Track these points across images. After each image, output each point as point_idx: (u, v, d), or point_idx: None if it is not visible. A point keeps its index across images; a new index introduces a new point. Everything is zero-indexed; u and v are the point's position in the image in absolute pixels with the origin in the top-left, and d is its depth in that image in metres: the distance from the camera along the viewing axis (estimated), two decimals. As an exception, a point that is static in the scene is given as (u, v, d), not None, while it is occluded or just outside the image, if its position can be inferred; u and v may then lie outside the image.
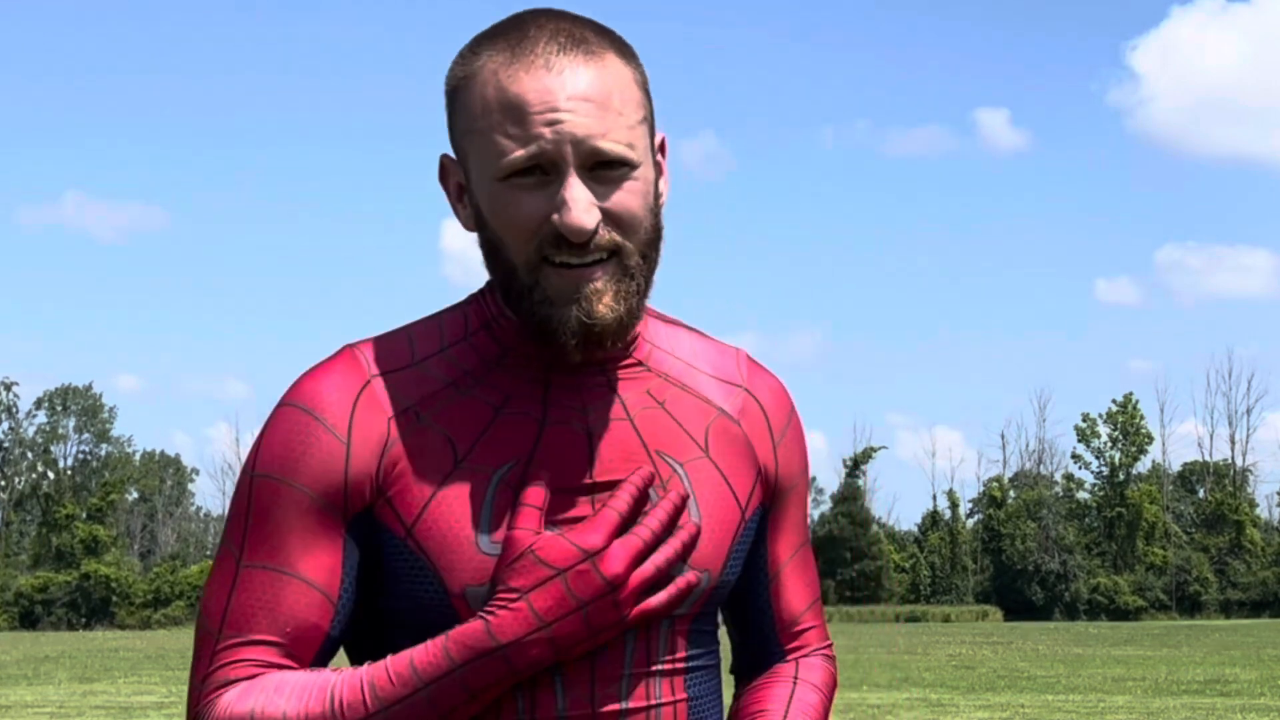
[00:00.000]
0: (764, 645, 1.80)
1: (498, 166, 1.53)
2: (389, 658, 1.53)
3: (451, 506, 1.56)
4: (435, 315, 1.66)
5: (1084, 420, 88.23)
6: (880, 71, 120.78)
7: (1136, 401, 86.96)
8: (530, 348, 1.61)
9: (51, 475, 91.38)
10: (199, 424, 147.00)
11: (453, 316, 1.65)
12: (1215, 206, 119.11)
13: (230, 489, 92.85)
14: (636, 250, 1.56)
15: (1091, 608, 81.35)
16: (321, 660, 1.57)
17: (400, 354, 1.61)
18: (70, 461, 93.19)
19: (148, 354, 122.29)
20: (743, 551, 1.68)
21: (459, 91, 1.58)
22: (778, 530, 1.76)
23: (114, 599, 76.90)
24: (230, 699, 1.52)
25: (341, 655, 1.66)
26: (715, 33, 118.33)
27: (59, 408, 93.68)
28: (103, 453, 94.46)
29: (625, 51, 1.59)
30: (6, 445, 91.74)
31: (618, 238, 1.54)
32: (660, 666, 1.61)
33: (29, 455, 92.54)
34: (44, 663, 33.70)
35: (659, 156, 1.63)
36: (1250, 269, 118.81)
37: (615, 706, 1.57)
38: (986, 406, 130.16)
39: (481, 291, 1.66)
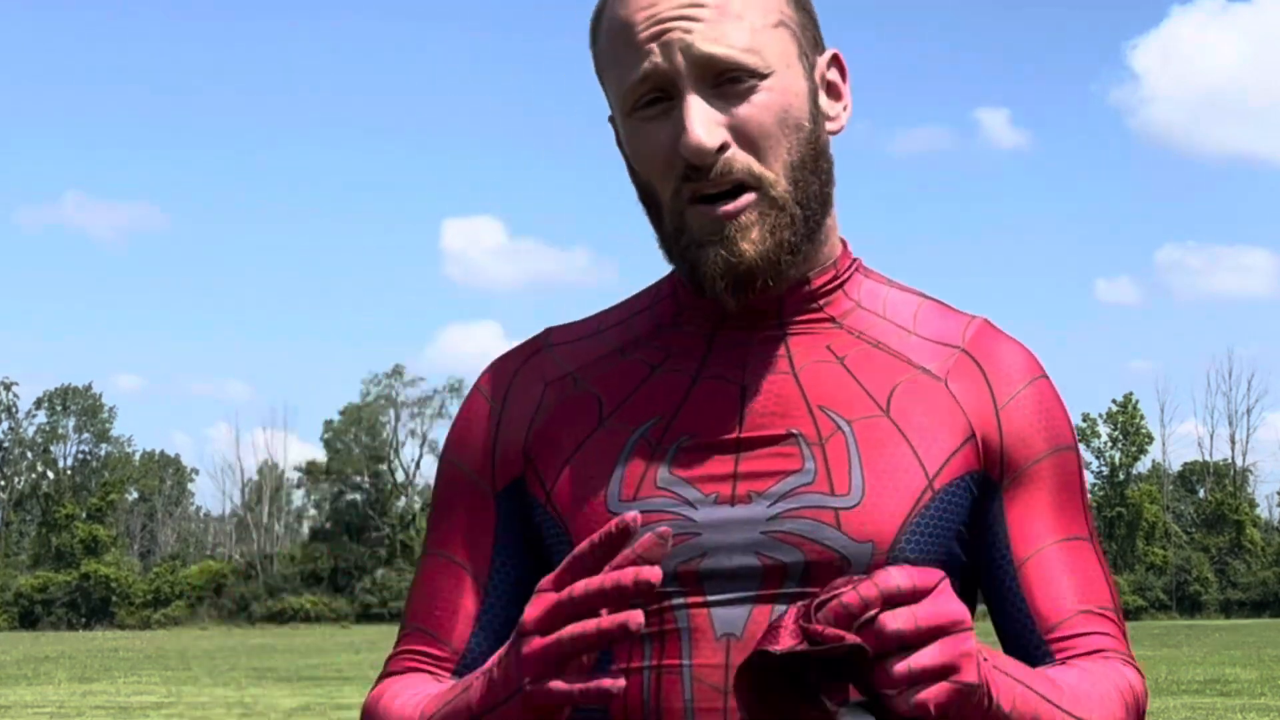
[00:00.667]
0: (1026, 649, 1.49)
1: (622, 98, 1.43)
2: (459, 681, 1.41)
3: (587, 467, 1.47)
4: (638, 292, 1.60)
5: (1084, 420, 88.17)
6: (880, 71, 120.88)
7: (1136, 401, 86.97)
8: (702, 303, 1.50)
9: (51, 475, 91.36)
10: (199, 424, 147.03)
11: (647, 290, 1.59)
12: (1216, 206, 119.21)
13: (229, 488, 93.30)
14: (782, 175, 1.41)
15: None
16: (484, 640, 1.51)
17: (585, 327, 1.57)
18: (70, 461, 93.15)
19: (148, 354, 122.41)
20: (933, 526, 1.43)
21: (593, 39, 1.49)
22: (1019, 512, 1.48)
23: (114, 599, 76.90)
24: (377, 690, 1.51)
25: None
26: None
27: (59, 408, 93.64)
28: (102, 453, 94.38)
29: None
30: (6, 445, 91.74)
31: (753, 162, 1.40)
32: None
33: (29, 455, 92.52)
34: (44, 663, 33.69)
35: (831, 74, 1.50)
36: (1250, 269, 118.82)
37: None
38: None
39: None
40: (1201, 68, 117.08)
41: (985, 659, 1.27)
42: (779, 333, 1.49)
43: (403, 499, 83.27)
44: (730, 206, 1.40)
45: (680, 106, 1.39)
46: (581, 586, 1.22)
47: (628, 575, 1.20)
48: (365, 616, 75.35)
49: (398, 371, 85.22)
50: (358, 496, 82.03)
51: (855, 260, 1.56)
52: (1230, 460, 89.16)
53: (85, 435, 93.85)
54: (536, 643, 1.24)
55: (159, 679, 26.42)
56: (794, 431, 1.44)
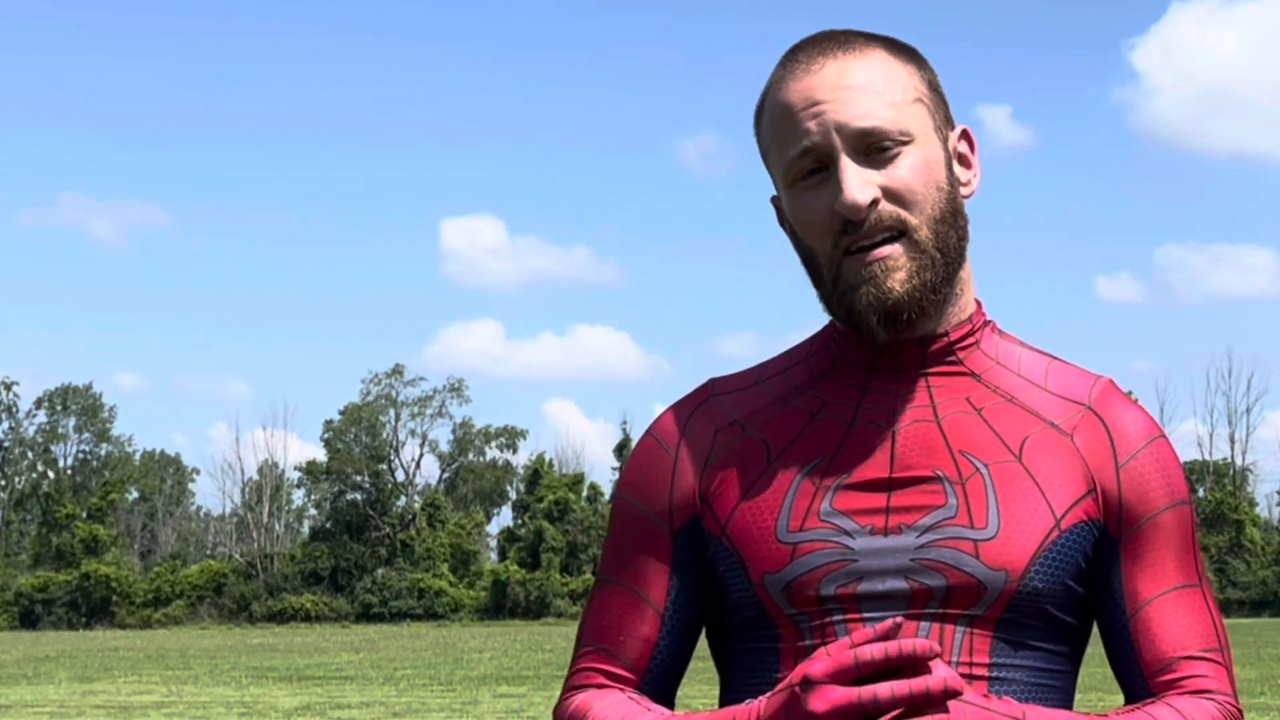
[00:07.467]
0: (1132, 688, 1.69)
1: (785, 172, 1.64)
2: (685, 714, 1.62)
3: (758, 502, 1.65)
4: (793, 346, 1.79)
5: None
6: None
7: (1136, 400, 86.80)
8: (856, 355, 1.70)
9: (51, 475, 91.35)
10: (199, 424, 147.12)
11: (802, 344, 1.78)
12: (1216, 204, 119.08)
13: (230, 488, 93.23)
14: (925, 225, 1.62)
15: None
16: (659, 664, 1.71)
17: (747, 377, 1.77)
18: (70, 461, 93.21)
19: (148, 354, 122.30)
20: (1057, 561, 1.63)
21: (757, 125, 1.70)
22: (1137, 563, 1.67)
23: (114, 599, 76.84)
24: (576, 702, 1.69)
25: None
26: (715, 30, 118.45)
27: (59, 407, 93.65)
28: (103, 452, 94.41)
29: (898, 50, 1.69)
30: (6, 445, 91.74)
31: (901, 213, 1.60)
32: (953, 668, 1.57)
33: (29, 455, 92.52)
34: (44, 662, 33.72)
35: (961, 146, 1.71)
36: (1252, 268, 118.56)
37: None
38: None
39: (830, 322, 1.75)
40: (1202, 65, 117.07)
41: None
42: (923, 384, 1.69)
43: (403, 499, 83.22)
44: (879, 252, 1.60)
45: (836, 172, 1.60)
46: (880, 652, 1.46)
47: (937, 683, 1.46)
48: (365, 616, 75.34)
49: (398, 371, 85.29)
50: (358, 496, 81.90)
51: (989, 321, 1.75)
52: (1230, 459, 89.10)
53: (85, 435, 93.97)
54: (838, 693, 1.47)
55: (159, 678, 26.43)
56: (938, 472, 1.64)
